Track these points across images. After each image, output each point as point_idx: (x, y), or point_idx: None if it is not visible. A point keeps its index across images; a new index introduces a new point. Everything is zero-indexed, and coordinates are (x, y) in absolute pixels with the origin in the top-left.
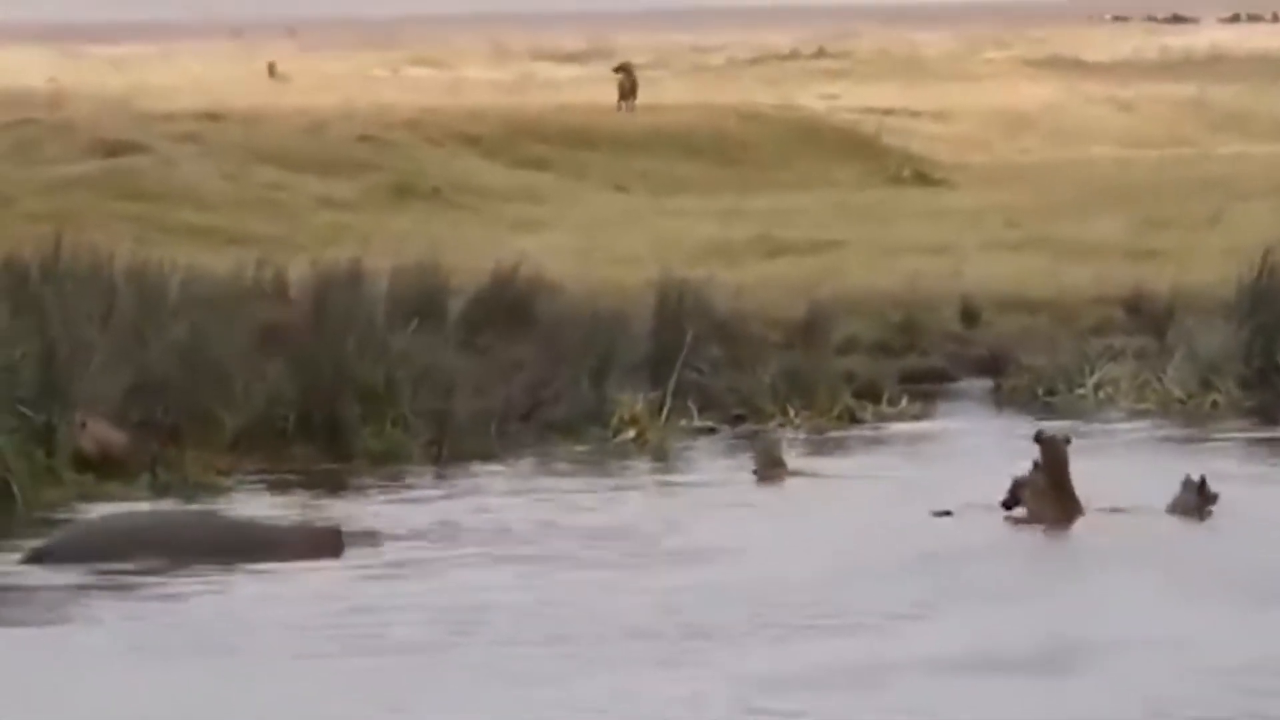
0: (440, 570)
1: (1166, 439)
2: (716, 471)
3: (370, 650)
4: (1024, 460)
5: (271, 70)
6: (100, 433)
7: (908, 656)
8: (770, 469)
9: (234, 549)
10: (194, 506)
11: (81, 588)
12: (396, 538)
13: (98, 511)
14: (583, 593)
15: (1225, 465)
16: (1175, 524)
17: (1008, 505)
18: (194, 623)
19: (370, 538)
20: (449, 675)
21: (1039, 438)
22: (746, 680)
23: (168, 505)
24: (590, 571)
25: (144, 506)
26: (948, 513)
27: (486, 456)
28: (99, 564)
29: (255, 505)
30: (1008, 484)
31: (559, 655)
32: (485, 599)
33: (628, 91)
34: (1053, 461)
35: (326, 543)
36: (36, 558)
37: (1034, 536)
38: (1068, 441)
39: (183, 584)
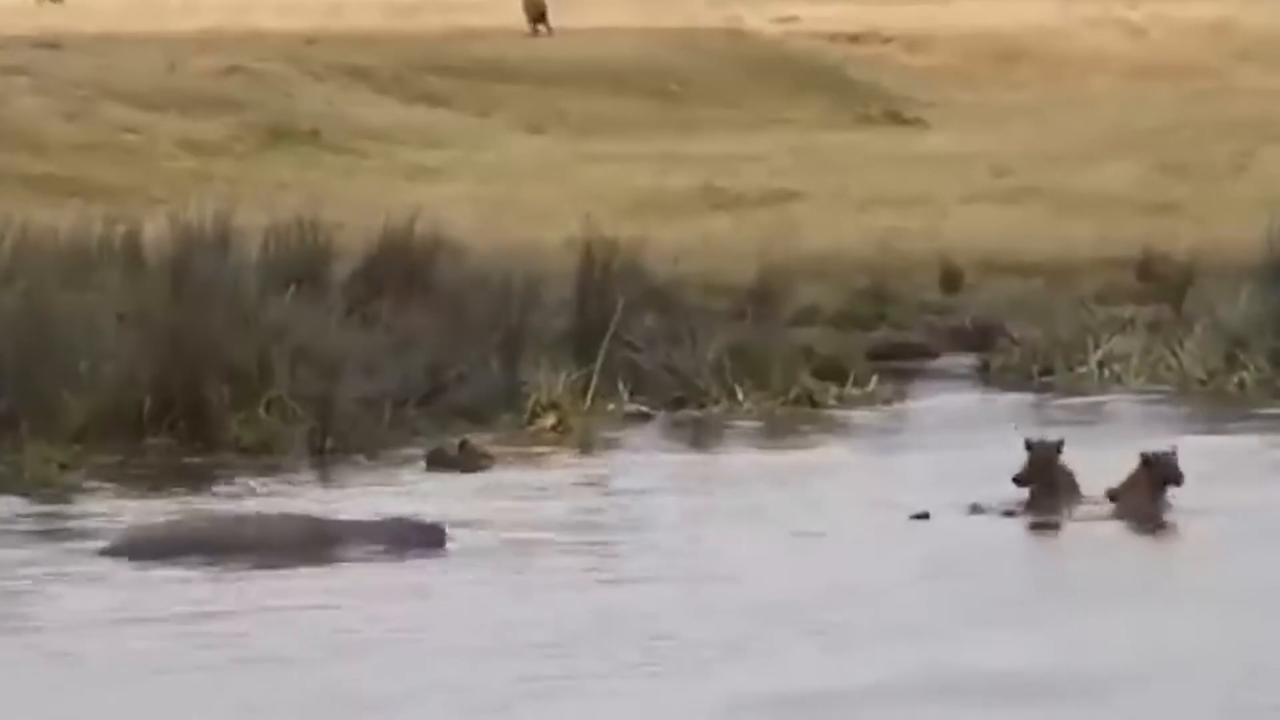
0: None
1: (1186, 425)
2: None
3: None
4: (1014, 450)
5: None
6: None
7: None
8: None
9: (326, 546)
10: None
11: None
12: None
13: None
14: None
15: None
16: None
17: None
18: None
19: None
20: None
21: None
22: None
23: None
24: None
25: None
26: (924, 515)
27: (378, 447)
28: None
29: (99, 504)
30: (996, 480)
31: None
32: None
33: (537, 12)
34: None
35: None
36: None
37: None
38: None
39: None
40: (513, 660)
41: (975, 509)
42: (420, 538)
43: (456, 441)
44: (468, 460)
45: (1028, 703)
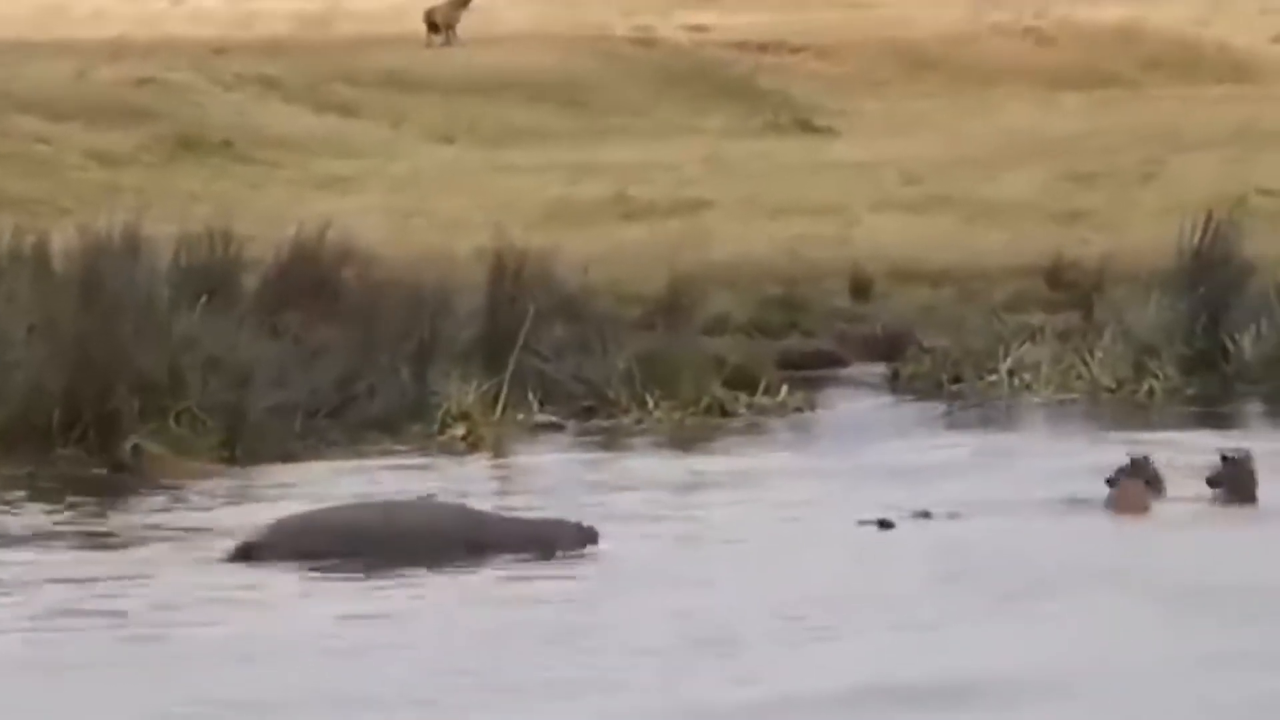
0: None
1: (1094, 436)
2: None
3: None
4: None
5: None
6: None
7: None
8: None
9: (481, 544)
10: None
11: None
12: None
13: None
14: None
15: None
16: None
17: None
18: None
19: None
20: None
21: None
22: None
23: None
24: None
25: None
26: (885, 523)
27: (288, 458)
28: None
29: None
30: (924, 485)
31: None
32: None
33: (430, 21)
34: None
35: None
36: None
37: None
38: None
39: None
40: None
41: (924, 514)
42: (573, 538)
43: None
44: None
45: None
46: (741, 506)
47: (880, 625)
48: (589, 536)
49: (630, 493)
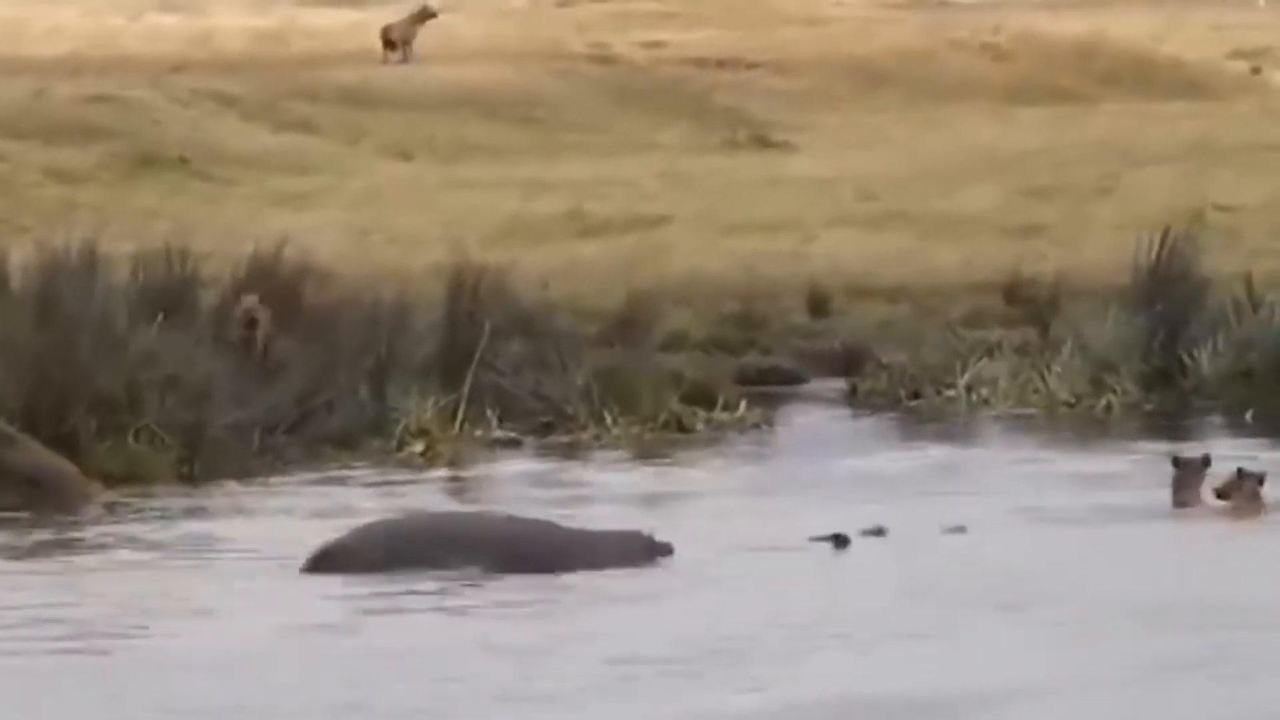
0: None
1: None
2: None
3: None
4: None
5: None
6: None
7: None
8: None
9: (558, 555)
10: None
11: None
12: None
13: None
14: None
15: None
16: None
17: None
18: None
19: None
20: None
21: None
22: None
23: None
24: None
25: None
26: (841, 539)
27: (247, 475)
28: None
29: None
30: (879, 501)
31: None
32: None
33: (386, 39)
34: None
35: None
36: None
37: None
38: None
39: None
40: None
41: (879, 531)
42: (650, 551)
43: None
44: None
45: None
46: (698, 521)
47: (838, 642)
48: (663, 549)
49: (593, 506)
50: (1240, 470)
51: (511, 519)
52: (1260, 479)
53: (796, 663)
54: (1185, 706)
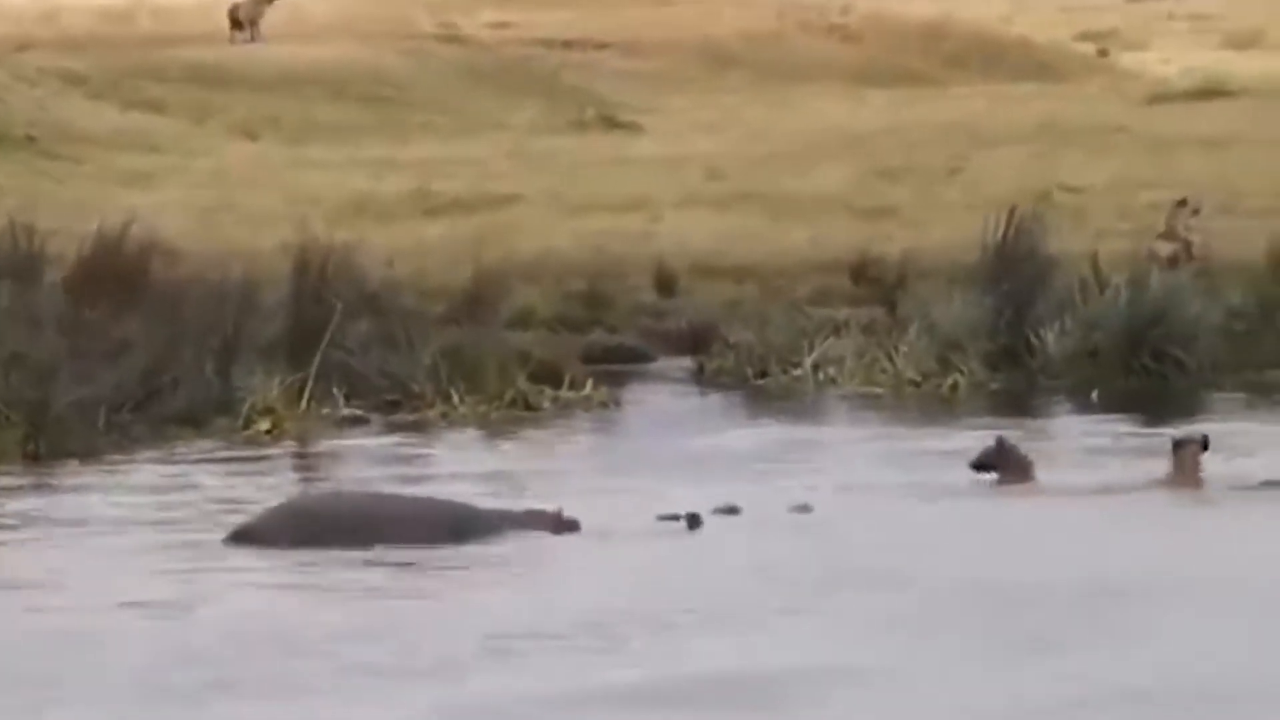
0: None
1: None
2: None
3: None
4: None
5: None
6: None
7: None
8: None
9: (466, 532)
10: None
11: None
12: None
13: None
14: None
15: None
16: None
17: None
18: None
19: None
20: None
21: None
22: None
23: None
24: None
25: None
26: (694, 518)
27: (93, 453)
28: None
29: None
30: (724, 480)
31: None
32: None
33: (244, 18)
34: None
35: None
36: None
37: None
38: None
39: None
40: None
41: (731, 509)
42: (559, 527)
43: None
44: None
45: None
46: (545, 501)
47: (686, 621)
48: (570, 525)
49: (434, 485)
50: (1175, 440)
51: (426, 499)
52: (1203, 443)
53: (617, 649)
54: (1016, 685)
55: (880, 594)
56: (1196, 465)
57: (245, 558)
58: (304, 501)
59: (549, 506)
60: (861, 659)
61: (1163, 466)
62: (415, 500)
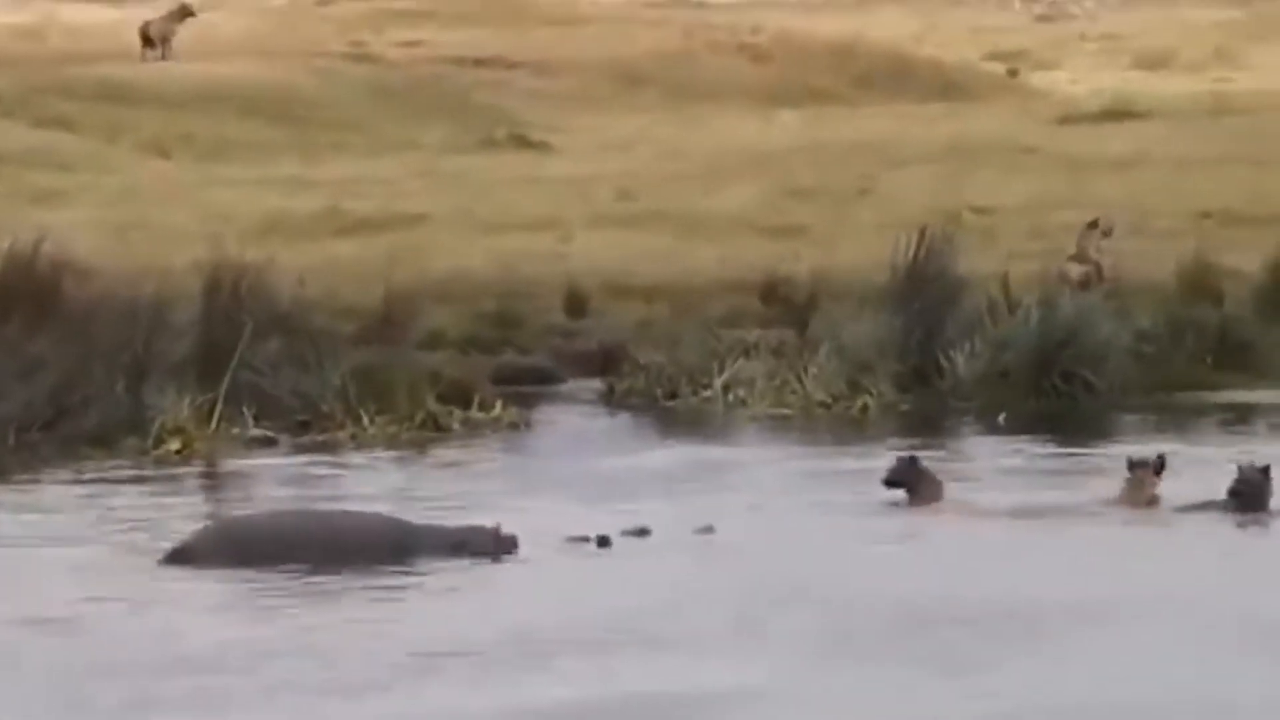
0: None
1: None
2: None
3: None
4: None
5: None
6: None
7: None
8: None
9: (406, 549)
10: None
11: None
12: None
13: None
14: None
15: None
16: None
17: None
18: None
19: None
20: None
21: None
22: None
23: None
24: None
25: None
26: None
27: (1, 472)
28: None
29: None
30: (634, 500)
31: None
32: None
33: (155, 36)
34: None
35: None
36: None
37: None
38: None
39: None
40: None
41: (641, 531)
42: (499, 545)
43: None
44: None
45: None
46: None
47: (579, 646)
48: (508, 544)
49: (347, 506)
50: (1130, 460)
51: (370, 515)
52: (1159, 464)
53: (538, 668)
54: (930, 705)
55: (792, 614)
56: (1150, 485)
57: (170, 577)
58: (241, 520)
59: (488, 523)
60: (771, 680)
61: (1101, 487)
62: (356, 516)
